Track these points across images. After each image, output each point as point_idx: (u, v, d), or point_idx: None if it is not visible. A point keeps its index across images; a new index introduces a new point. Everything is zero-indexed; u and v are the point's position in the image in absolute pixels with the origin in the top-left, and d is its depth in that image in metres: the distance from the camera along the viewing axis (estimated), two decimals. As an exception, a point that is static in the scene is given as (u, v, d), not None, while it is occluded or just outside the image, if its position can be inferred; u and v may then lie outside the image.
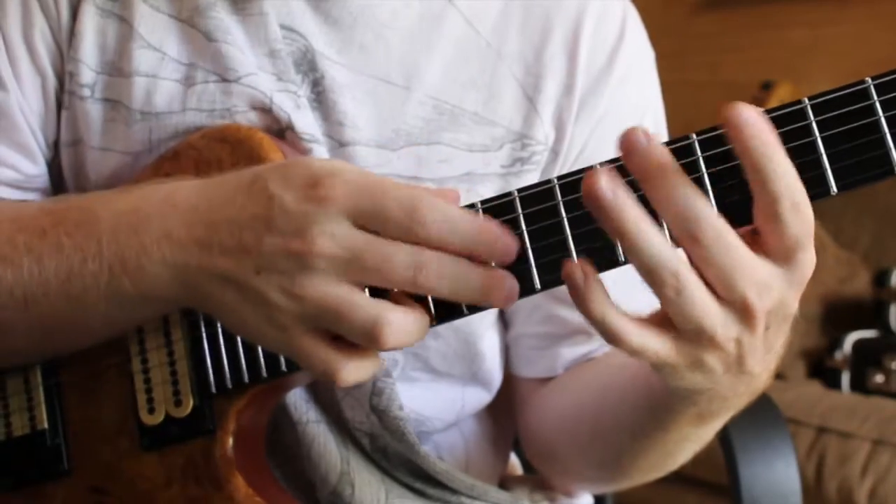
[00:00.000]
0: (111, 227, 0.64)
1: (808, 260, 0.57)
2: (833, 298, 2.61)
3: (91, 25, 0.78)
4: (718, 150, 0.58)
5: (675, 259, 0.54)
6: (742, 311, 0.56)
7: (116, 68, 0.78)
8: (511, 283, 0.59)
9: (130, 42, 0.78)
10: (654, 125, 0.86)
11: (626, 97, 0.83)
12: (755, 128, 0.53)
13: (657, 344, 0.57)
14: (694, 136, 0.58)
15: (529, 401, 0.89)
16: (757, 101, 3.04)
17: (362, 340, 0.58)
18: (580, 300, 0.55)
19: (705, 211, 0.54)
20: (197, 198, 0.62)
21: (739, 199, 0.57)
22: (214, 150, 0.74)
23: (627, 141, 0.53)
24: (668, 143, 0.58)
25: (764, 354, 0.61)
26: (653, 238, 0.54)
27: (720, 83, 3.24)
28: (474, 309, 0.61)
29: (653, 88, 0.87)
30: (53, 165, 0.82)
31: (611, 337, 0.56)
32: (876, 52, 2.93)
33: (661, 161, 0.53)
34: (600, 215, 0.53)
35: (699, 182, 0.57)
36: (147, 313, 0.69)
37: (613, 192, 0.53)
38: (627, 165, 0.54)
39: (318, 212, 0.57)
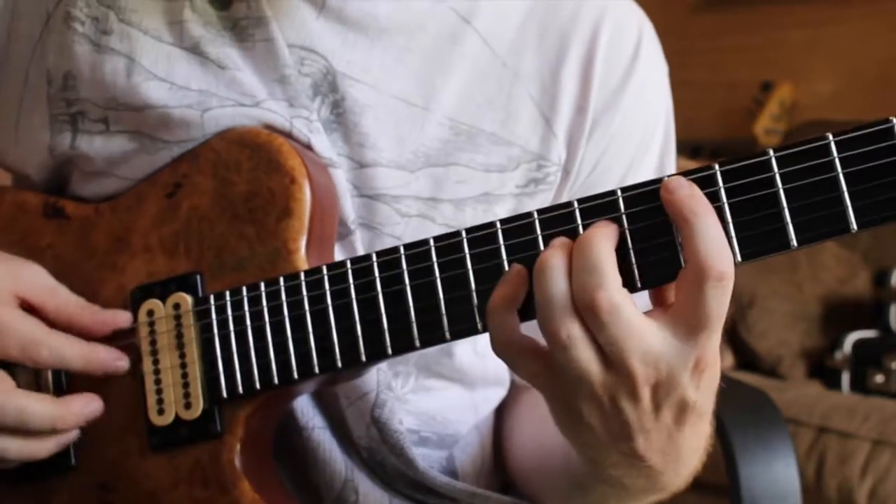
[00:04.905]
0: None
1: (709, 345, 0.58)
2: (833, 298, 2.61)
3: (87, 62, 0.78)
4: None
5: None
6: (625, 375, 0.58)
7: (124, 103, 0.77)
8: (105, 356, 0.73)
9: (134, 76, 0.76)
10: (665, 136, 0.86)
11: (640, 112, 0.83)
12: (686, 189, 0.57)
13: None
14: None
15: (511, 405, 0.91)
16: (757, 101, 3.06)
17: None
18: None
19: (605, 284, 0.57)
20: None
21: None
22: (233, 154, 0.75)
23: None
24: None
25: (662, 443, 0.62)
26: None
27: (720, 83, 3.24)
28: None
29: (665, 100, 0.87)
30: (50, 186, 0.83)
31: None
32: (876, 51, 2.93)
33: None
34: None
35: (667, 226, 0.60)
36: None
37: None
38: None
39: None
